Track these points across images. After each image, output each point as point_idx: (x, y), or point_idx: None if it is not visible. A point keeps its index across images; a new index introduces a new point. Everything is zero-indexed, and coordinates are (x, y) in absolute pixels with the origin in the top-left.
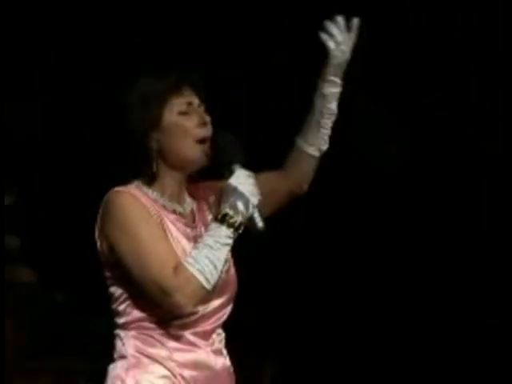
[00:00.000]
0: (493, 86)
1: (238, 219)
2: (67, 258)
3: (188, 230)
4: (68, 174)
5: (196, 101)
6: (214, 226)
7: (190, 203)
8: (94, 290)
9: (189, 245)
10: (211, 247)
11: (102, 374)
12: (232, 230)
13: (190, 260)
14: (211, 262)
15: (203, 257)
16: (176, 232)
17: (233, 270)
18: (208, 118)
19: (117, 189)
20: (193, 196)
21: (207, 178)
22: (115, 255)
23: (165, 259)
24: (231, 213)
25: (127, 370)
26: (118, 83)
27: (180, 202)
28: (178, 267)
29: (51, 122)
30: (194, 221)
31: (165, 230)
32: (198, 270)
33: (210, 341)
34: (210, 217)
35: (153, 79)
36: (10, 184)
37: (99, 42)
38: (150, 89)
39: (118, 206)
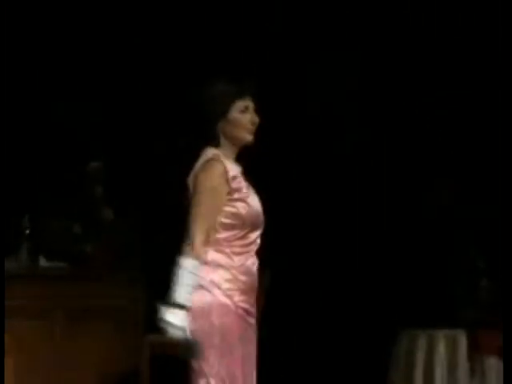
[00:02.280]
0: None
1: None
2: (134, 200)
3: (245, 181)
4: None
5: (251, 104)
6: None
7: (240, 166)
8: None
9: (246, 189)
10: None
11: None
12: None
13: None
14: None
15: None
16: (242, 182)
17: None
18: (257, 119)
19: (213, 159)
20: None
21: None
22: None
23: (202, 230)
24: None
25: (207, 272)
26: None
27: (236, 162)
28: (199, 247)
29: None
30: (243, 175)
31: (235, 188)
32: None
33: (254, 257)
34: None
35: (226, 84)
36: (97, 153)
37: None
38: (223, 91)
39: (208, 174)
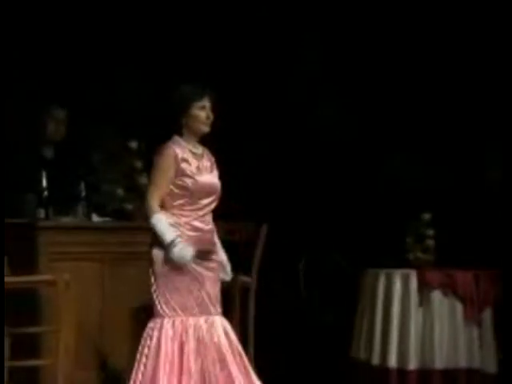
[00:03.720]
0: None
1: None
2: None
3: (197, 162)
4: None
5: (208, 104)
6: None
7: (201, 149)
8: None
9: (195, 169)
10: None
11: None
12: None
13: (154, 219)
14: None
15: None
16: (192, 163)
17: (218, 181)
18: (211, 115)
19: (167, 144)
20: (204, 149)
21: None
22: None
23: (155, 196)
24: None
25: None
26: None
27: (196, 147)
28: (154, 207)
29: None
30: (202, 157)
31: (183, 168)
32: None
33: (206, 217)
34: (207, 163)
35: (189, 88)
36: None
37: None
38: (186, 94)
39: (160, 156)
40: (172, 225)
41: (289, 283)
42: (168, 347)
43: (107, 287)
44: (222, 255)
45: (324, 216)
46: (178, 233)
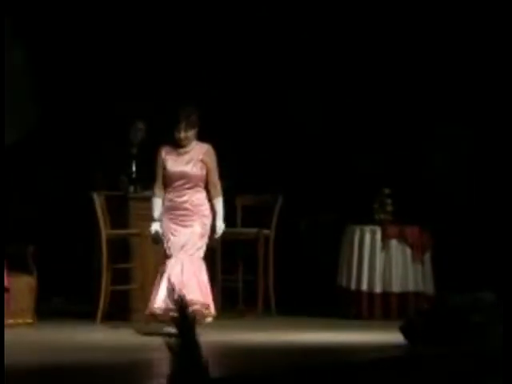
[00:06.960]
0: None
1: None
2: None
3: (176, 157)
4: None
5: (182, 126)
6: None
7: (189, 148)
8: None
9: (172, 162)
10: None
11: None
12: None
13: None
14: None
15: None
16: (171, 159)
17: (189, 170)
18: (183, 134)
19: (159, 147)
20: (196, 146)
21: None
22: None
23: (156, 183)
24: None
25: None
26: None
27: (185, 147)
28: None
29: None
30: (185, 154)
31: (167, 164)
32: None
33: (181, 193)
34: (189, 157)
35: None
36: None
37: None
38: (178, 114)
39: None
40: (163, 199)
41: (296, 235)
42: (166, 268)
43: None
44: (218, 221)
45: (320, 190)
46: (159, 215)
